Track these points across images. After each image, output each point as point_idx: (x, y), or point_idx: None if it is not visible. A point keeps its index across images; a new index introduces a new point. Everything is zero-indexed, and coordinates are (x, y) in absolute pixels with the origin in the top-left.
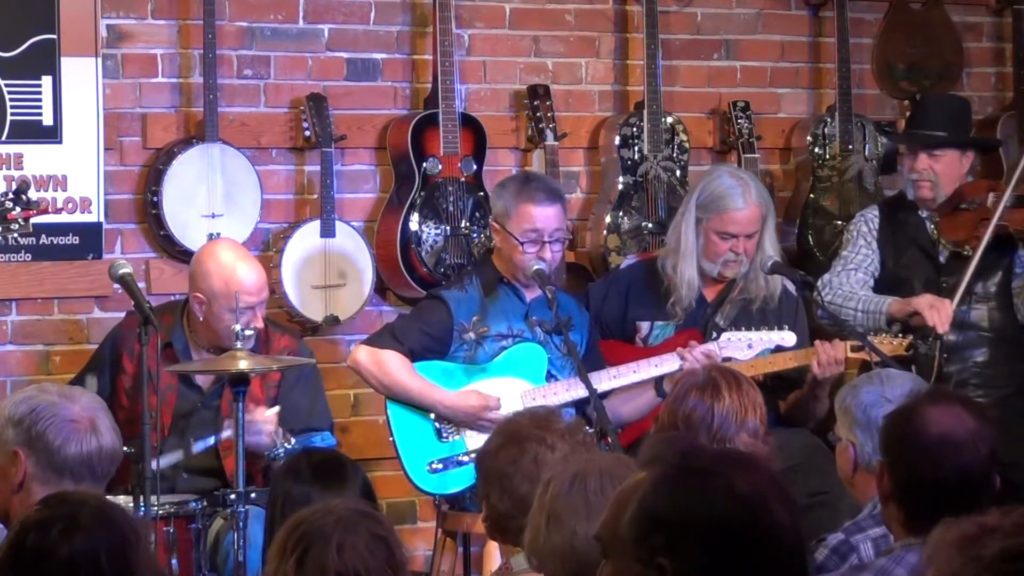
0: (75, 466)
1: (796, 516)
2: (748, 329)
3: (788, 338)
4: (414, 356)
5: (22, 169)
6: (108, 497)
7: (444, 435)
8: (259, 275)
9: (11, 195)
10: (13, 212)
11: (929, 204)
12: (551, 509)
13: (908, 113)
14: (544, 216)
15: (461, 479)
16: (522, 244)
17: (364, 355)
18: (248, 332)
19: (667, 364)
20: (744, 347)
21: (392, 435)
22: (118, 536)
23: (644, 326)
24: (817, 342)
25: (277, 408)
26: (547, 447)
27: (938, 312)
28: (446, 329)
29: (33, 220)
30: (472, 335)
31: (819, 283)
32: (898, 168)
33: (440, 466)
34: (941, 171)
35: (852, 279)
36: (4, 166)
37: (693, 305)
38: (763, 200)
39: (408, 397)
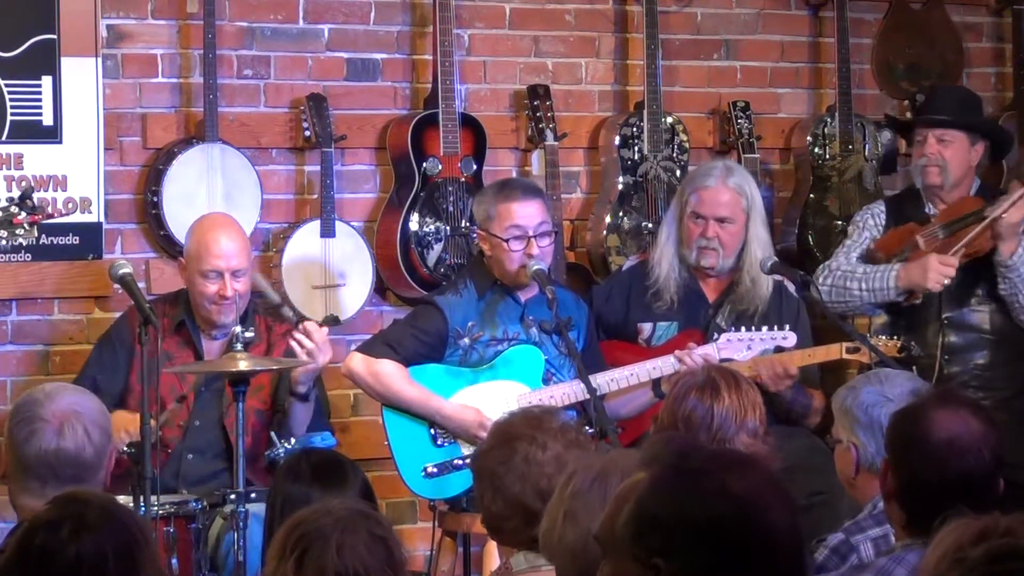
0: (35, 464)
1: (794, 516)
2: (749, 329)
3: (789, 338)
4: (408, 363)
5: (22, 169)
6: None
7: (439, 440)
8: (234, 243)
9: (16, 200)
10: (19, 217)
11: (936, 191)
12: (569, 505)
13: (919, 103)
14: (525, 211)
15: (457, 483)
16: (507, 242)
17: (359, 364)
18: (248, 334)
19: (664, 367)
20: (743, 348)
21: (388, 440)
22: (126, 537)
23: (646, 327)
24: (766, 358)
25: (326, 330)
26: (538, 446)
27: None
28: (441, 335)
29: (36, 219)
30: (467, 340)
31: (819, 269)
32: (912, 161)
33: (436, 471)
34: (950, 157)
35: (851, 257)
36: (4, 166)
37: (682, 297)
38: (742, 190)
39: (405, 406)
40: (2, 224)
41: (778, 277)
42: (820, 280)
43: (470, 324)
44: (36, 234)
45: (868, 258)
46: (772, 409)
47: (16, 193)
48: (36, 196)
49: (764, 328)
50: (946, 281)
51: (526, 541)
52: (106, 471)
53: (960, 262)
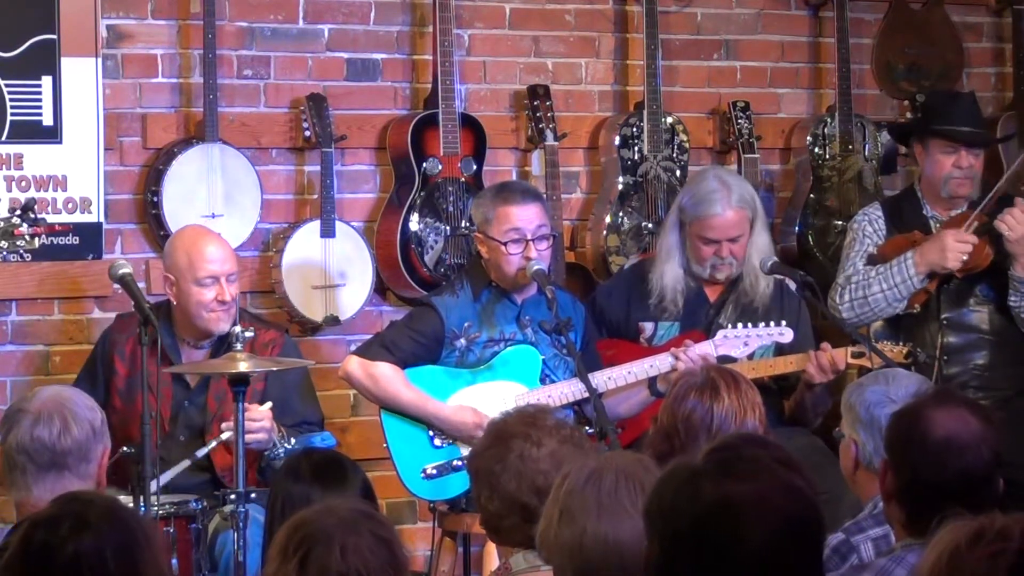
0: (14, 454)
1: (780, 534)
2: (746, 326)
3: (786, 334)
4: (405, 365)
5: (22, 169)
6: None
7: (438, 442)
8: (223, 249)
9: (19, 212)
10: (20, 228)
11: (958, 203)
12: (564, 504)
13: (926, 106)
14: (523, 214)
15: (456, 484)
16: (505, 245)
17: (356, 367)
18: (248, 334)
19: (661, 365)
20: (740, 344)
21: (386, 442)
22: (126, 536)
23: (648, 327)
24: (819, 350)
25: (269, 404)
26: (532, 443)
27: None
28: (437, 337)
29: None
30: (463, 341)
31: (832, 290)
32: (930, 169)
33: (435, 472)
34: (979, 167)
35: (859, 266)
36: (4, 166)
37: (685, 304)
38: (746, 203)
39: (402, 409)
40: (3, 235)
41: (778, 277)
42: (838, 299)
43: (466, 325)
44: (36, 245)
45: (872, 264)
46: (777, 409)
47: (19, 195)
48: (37, 207)
49: (761, 324)
50: (964, 257)
51: (524, 540)
52: (99, 467)
53: (963, 269)
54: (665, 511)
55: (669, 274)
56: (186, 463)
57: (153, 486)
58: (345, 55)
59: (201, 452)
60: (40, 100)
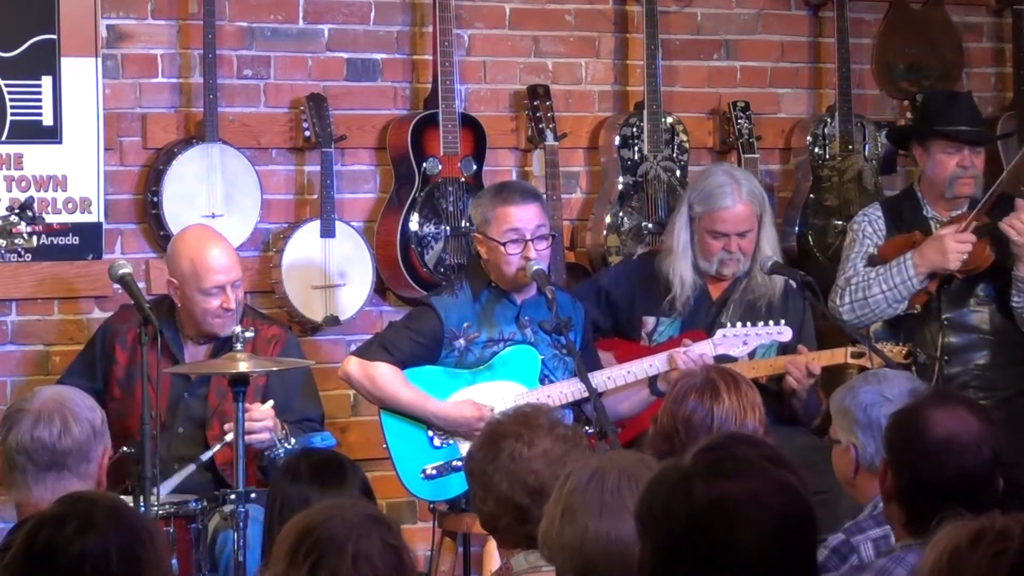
0: (14, 454)
1: (775, 536)
2: (745, 324)
3: (784, 332)
4: (404, 365)
5: (22, 169)
6: None
7: (437, 442)
8: (228, 255)
9: (17, 210)
10: (18, 227)
11: (960, 203)
12: (567, 503)
13: (925, 108)
14: (522, 214)
15: (456, 484)
16: (504, 245)
17: (355, 367)
18: (248, 334)
19: (661, 365)
20: (739, 344)
21: (386, 442)
22: (131, 536)
23: (650, 321)
24: (790, 358)
25: (271, 402)
26: (524, 443)
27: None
28: (436, 338)
29: (36, 229)
30: (462, 341)
31: (832, 292)
32: (932, 170)
33: (435, 472)
34: (981, 166)
35: (859, 267)
36: (4, 166)
37: (692, 303)
38: (755, 198)
39: (401, 409)
40: (1, 234)
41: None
42: (838, 301)
43: (465, 325)
44: (35, 244)
45: (872, 265)
46: (776, 409)
47: (19, 195)
48: (36, 205)
49: (760, 323)
50: (964, 256)
51: (522, 539)
52: (99, 467)
53: (964, 270)
54: (658, 513)
55: (682, 273)
56: (191, 468)
57: (156, 491)
58: (345, 55)
59: (206, 456)
60: (40, 100)
